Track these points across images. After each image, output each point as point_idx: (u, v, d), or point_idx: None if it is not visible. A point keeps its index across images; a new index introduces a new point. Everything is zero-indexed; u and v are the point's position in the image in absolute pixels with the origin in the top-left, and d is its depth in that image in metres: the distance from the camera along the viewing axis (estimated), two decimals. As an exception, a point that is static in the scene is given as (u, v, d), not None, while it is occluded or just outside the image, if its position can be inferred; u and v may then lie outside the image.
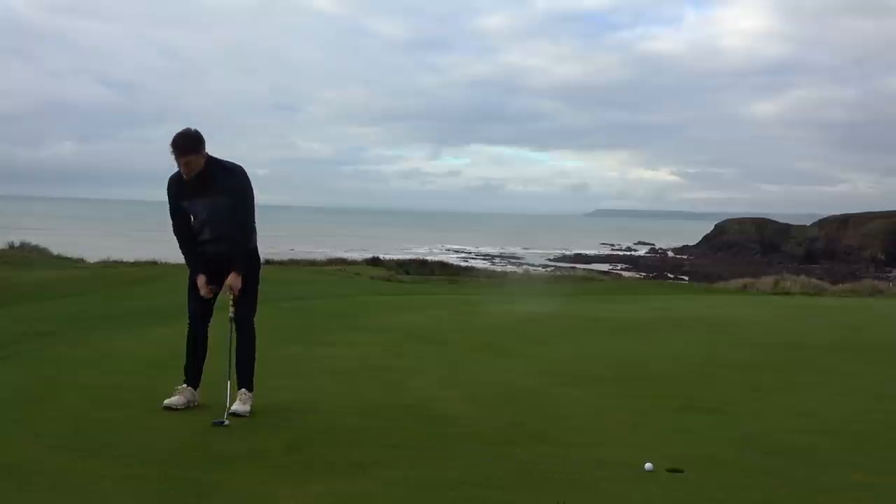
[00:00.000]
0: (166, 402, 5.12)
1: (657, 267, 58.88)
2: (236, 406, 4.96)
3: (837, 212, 75.48)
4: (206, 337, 5.28)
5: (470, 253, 69.98)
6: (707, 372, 7.08)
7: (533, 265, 52.06)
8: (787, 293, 17.65)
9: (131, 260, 23.90)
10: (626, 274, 48.24)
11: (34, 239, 27.27)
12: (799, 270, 41.12)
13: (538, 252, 72.26)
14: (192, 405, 5.14)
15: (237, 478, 3.84)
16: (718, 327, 10.11)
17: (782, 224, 78.31)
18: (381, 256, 35.01)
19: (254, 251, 5.22)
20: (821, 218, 76.23)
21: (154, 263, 22.48)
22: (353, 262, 28.77)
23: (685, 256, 73.26)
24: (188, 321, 5.28)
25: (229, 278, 5.03)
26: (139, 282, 16.25)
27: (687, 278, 42.94)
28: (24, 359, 7.02)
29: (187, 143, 4.88)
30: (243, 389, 5.09)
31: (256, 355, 5.21)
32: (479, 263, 50.91)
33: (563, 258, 66.41)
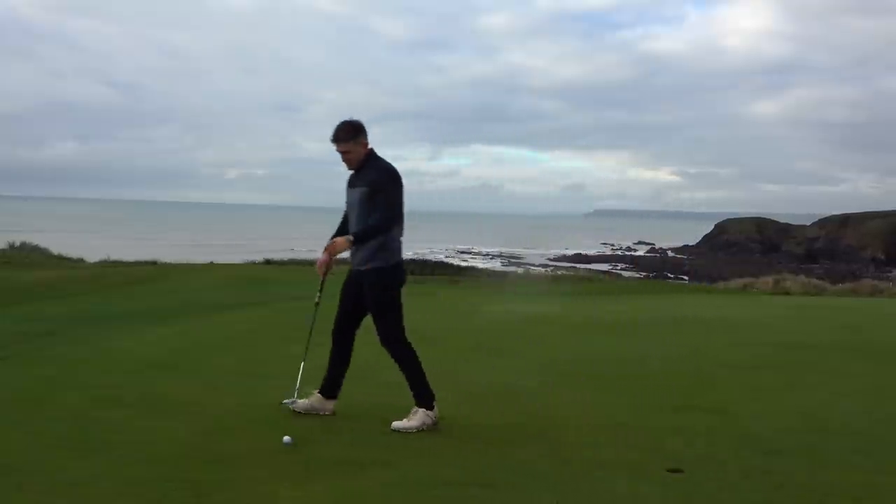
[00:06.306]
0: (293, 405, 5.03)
1: (657, 267, 58.86)
2: (397, 422, 4.77)
3: (838, 212, 75.51)
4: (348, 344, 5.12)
5: (470, 253, 69.98)
6: (707, 372, 7.07)
7: (533, 265, 52.05)
8: (787, 293, 17.68)
9: (131, 260, 23.93)
10: (625, 274, 48.27)
11: (34, 239, 27.32)
12: (799, 270, 41.16)
13: (538, 252, 72.28)
14: (322, 413, 5.05)
15: (237, 478, 3.84)
16: (718, 327, 10.11)
17: (782, 224, 78.33)
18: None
19: (382, 258, 4.87)
20: (821, 218, 76.21)
21: (154, 263, 22.51)
22: (354, 262, 28.71)
23: (685, 256, 73.20)
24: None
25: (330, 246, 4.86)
26: (139, 282, 16.28)
27: (687, 278, 42.99)
28: (24, 359, 7.03)
29: (336, 132, 4.82)
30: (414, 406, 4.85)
31: (414, 372, 4.89)
32: (480, 263, 50.91)
33: (563, 258, 66.42)
